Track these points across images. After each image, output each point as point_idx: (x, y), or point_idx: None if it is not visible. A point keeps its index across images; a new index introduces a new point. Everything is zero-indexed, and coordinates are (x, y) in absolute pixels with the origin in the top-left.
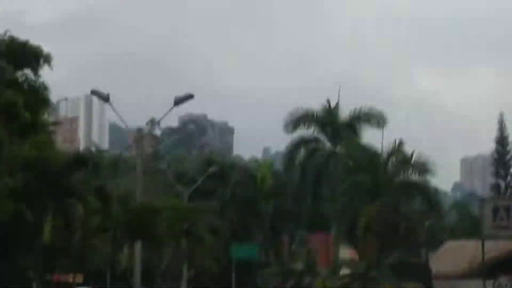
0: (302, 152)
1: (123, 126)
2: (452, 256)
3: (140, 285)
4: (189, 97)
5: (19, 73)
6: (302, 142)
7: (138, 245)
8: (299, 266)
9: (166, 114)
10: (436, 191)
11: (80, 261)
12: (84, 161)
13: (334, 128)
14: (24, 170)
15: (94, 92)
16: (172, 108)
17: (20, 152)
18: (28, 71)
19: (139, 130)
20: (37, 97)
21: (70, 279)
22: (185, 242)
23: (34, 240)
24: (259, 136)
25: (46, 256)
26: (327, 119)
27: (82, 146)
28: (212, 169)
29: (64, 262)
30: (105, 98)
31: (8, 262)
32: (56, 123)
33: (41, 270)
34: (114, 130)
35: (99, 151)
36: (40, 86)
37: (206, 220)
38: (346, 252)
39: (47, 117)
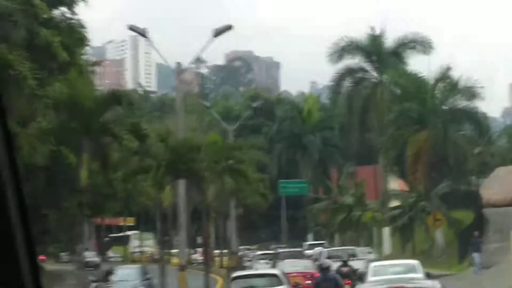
0: (348, 83)
1: (169, 66)
2: (503, 182)
3: (185, 225)
4: (228, 28)
5: (55, 12)
6: (347, 72)
7: (181, 184)
8: (348, 200)
9: (205, 47)
10: (485, 116)
11: (125, 203)
12: (117, 99)
13: (380, 57)
14: (57, 110)
15: (132, 28)
16: (211, 40)
17: (51, 91)
18: (64, 10)
19: (179, 65)
20: (74, 36)
21: (121, 222)
22: (230, 179)
23: (74, 183)
24: (306, 71)
25: (90, 199)
26: (372, 47)
27: (129, 88)
28: (256, 104)
29: (111, 205)
30: (143, 34)
31: (53, 207)
32: (96, 63)
33: (87, 213)
34: (162, 71)
35: (145, 92)
36: (77, 25)
37: (253, 156)
38: (395, 184)
39: (86, 56)
